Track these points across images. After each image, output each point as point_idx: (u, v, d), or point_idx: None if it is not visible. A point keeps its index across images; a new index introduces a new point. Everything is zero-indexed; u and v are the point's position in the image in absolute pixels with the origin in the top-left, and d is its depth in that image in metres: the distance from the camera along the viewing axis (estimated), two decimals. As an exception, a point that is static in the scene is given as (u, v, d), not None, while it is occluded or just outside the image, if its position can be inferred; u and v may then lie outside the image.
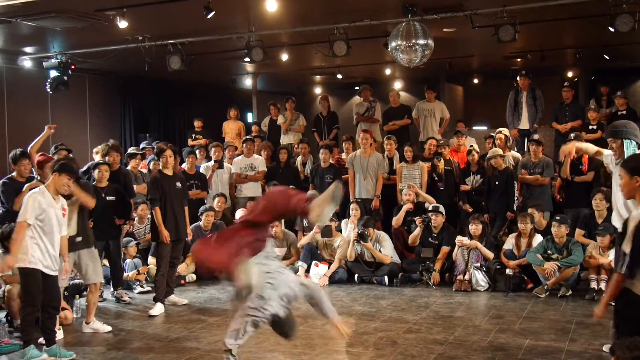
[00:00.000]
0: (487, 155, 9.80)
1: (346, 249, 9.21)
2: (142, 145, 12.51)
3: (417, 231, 9.24)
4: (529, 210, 8.80)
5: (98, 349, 6.39)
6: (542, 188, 9.63)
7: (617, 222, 5.76)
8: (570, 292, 8.02)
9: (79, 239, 6.92)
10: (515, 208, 9.34)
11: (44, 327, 6.11)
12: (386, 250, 9.13)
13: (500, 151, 9.77)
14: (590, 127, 11.13)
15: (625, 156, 5.43)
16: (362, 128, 11.57)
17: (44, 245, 5.91)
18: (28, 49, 11.82)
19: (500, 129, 10.92)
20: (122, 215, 8.36)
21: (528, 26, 10.00)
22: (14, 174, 7.70)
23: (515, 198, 9.40)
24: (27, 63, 12.14)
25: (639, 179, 4.23)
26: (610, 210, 8.26)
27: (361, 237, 8.98)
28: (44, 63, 11.72)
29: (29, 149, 8.47)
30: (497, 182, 9.50)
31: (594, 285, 7.88)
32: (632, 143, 5.62)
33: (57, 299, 6.20)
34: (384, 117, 12.47)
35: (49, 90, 11.63)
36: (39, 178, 7.70)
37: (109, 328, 6.99)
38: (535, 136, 10.15)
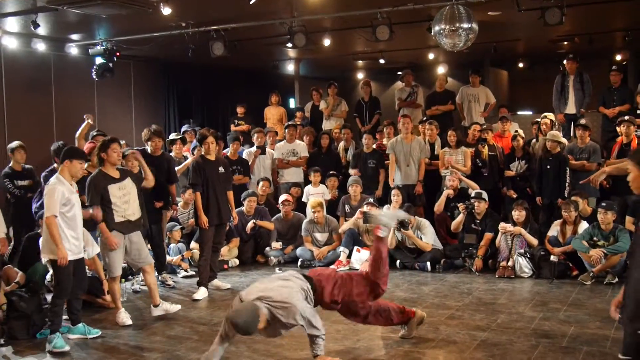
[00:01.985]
0: (546, 137, 9.61)
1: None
2: (183, 129, 12.62)
3: (460, 217, 9.16)
4: (573, 198, 8.64)
5: (142, 332, 6.51)
6: (589, 174, 9.42)
7: None
8: (616, 279, 7.86)
9: (140, 219, 7.01)
10: (566, 195, 9.17)
11: (70, 307, 6.27)
12: (427, 237, 9.07)
13: (559, 137, 9.56)
14: (639, 112, 10.85)
15: None
16: (402, 113, 11.51)
17: (71, 231, 6.00)
18: (74, 36, 12.02)
19: (546, 113, 10.73)
20: (161, 198, 8.43)
21: (575, 9, 9.80)
22: (55, 165, 7.71)
23: (567, 185, 9.22)
24: (73, 50, 12.34)
25: None
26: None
27: (402, 225, 8.91)
28: (89, 50, 11.91)
29: (75, 137, 8.60)
30: (548, 166, 9.34)
31: (641, 273, 7.71)
32: None
33: (84, 281, 6.36)
34: (427, 101, 12.38)
35: (94, 77, 11.81)
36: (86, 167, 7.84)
37: (179, 307, 7.08)
38: (582, 121, 9.96)
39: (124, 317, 6.74)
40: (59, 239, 5.84)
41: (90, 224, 6.83)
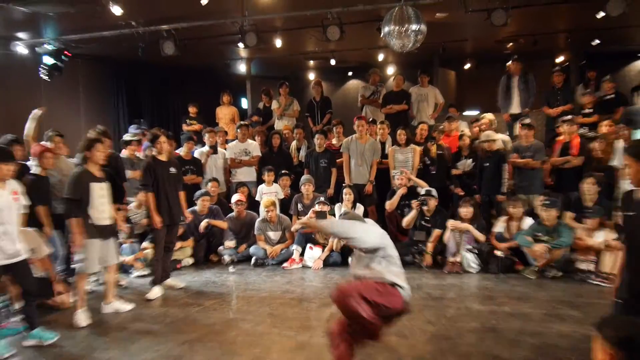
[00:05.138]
0: (480, 139, 9.88)
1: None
2: (130, 130, 12.44)
3: (412, 214, 9.31)
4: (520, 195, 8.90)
5: (95, 333, 6.45)
6: (534, 172, 9.71)
7: None
8: (559, 273, 8.14)
9: (114, 225, 7.09)
10: (504, 190, 9.44)
11: (24, 313, 6.10)
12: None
13: (493, 135, 9.84)
14: (586, 111, 11.20)
15: None
16: (359, 114, 11.65)
17: None
18: (21, 35, 11.77)
19: (485, 114, 11.04)
20: (115, 199, 8.34)
21: (520, 10, 10.07)
22: None
23: (505, 181, 9.48)
24: (20, 49, 12.09)
25: None
26: (600, 194, 8.44)
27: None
28: (37, 49, 11.69)
29: (24, 136, 8.41)
30: (486, 164, 9.60)
31: (582, 266, 8.01)
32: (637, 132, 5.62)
33: (30, 283, 6.06)
34: (383, 100, 12.52)
35: (42, 76, 11.59)
36: (36, 169, 7.69)
37: (131, 306, 7.10)
38: (527, 120, 10.24)
39: (81, 319, 6.66)
40: None
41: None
